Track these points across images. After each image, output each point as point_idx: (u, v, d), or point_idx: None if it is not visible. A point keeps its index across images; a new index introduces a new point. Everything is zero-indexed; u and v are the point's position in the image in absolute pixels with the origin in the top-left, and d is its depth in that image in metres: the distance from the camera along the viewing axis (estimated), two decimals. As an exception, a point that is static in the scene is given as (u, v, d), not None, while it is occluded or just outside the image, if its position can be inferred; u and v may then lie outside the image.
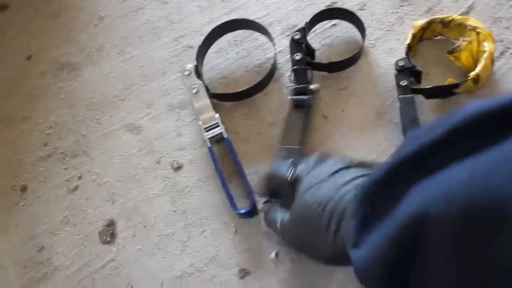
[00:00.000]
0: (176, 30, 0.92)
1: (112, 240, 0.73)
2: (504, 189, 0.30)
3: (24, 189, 0.79)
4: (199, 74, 0.81)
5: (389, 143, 0.74)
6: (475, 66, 0.75)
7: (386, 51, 0.83)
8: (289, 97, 0.79)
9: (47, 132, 0.84)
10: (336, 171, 0.54)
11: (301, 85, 0.79)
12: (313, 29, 0.86)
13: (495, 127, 0.34)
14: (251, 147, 0.78)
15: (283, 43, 0.87)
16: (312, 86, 0.78)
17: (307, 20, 0.83)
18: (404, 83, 0.75)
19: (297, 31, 0.81)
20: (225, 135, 0.76)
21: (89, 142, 0.82)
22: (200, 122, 0.77)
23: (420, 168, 0.37)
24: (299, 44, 0.81)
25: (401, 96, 0.75)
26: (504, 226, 0.29)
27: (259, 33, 0.87)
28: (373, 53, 0.84)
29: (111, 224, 0.74)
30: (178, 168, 0.78)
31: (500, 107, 0.34)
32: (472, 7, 0.85)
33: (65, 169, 0.80)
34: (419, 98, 0.76)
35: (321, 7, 0.88)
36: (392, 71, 0.79)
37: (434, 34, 0.82)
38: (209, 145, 0.76)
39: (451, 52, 0.78)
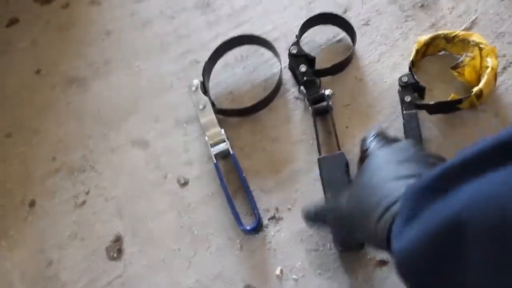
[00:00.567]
0: (184, 44, 0.93)
1: (119, 256, 0.74)
2: None
3: (32, 203, 0.80)
4: (205, 90, 0.82)
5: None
6: (478, 81, 0.75)
7: (390, 66, 0.84)
8: (310, 107, 0.79)
9: (56, 146, 0.85)
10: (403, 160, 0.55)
11: (317, 93, 0.79)
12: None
13: None
14: (256, 163, 0.79)
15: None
16: (327, 92, 0.79)
17: (297, 32, 0.84)
18: (408, 98, 0.76)
19: (292, 45, 0.82)
20: (231, 151, 0.77)
21: (97, 157, 0.83)
22: (206, 138, 0.78)
23: (462, 176, 0.40)
24: (299, 57, 0.82)
25: (405, 111, 0.76)
26: None
27: (265, 48, 0.88)
28: (378, 68, 0.84)
29: (118, 239, 0.75)
30: (184, 183, 0.79)
31: None
32: (475, 22, 0.85)
33: (73, 184, 0.81)
34: (423, 114, 0.76)
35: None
36: (396, 87, 0.79)
37: (437, 50, 0.82)
38: (215, 161, 0.76)
39: (454, 67, 0.78)
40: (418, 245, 0.42)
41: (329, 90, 0.79)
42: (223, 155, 0.78)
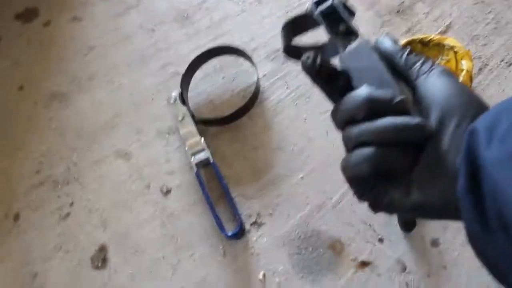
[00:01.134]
0: (164, 57, 0.94)
1: (103, 266, 0.75)
2: None
3: (17, 217, 0.80)
4: (184, 101, 0.83)
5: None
6: (454, 84, 0.77)
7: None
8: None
9: (40, 160, 0.86)
10: None
11: None
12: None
13: None
14: (238, 170, 0.79)
15: (268, 67, 0.89)
16: None
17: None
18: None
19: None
20: (211, 160, 0.78)
21: (81, 170, 0.84)
22: (186, 148, 0.79)
23: None
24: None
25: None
26: None
27: (243, 58, 0.89)
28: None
29: (102, 249, 0.76)
30: (167, 192, 0.79)
31: None
32: (450, 26, 0.87)
33: (58, 196, 0.82)
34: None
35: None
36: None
37: (413, 54, 0.84)
38: (196, 170, 0.77)
39: (430, 71, 0.80)
40: None
41: None
42: (204, 164, 0.79)
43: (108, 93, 0.92)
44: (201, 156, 0.78)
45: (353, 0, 0.88)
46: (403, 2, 0.93)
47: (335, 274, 0.70)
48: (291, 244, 0.73)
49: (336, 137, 0.80)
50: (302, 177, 0.78)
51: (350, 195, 0.75)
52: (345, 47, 0.51)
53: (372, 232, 0.72)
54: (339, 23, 0.54)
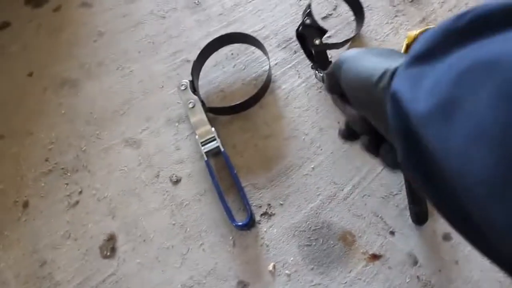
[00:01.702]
0: (174, 44, 0.93)
1: (112, 255, 0.74)
2: None
3: (26, 204, 0.80)
4: (194, 89, 0.82)
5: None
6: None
7: (381, 61, 0.84)
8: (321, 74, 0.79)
9: (49, 147, 0.85)
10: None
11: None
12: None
13: None
14: (248, 160, 0.79)
15: (279, 55, 0.88)
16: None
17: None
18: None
19: (305, 15, 0.79)
20: (222, 149, 0.77)
21: (90, 157, 0.83)
22: (196, 137, 0.78)
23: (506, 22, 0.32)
24: (311, 28, 0.79)
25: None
26: None
27: (254, 47, 0.88)
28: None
29: (111, 238, 0.75)
30: (177, 181, 0.79)
31: None
32: (466, 17, 0.85)
33: (66, 184, 0.81)
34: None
35: (317, 18, 0.89)
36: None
37: (428, 44, 0.83)
38: (206, 159, 0.77)
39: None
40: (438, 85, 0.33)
41: None
42: (215, 153, 0.79)
43: (117, 80, 0.91)
44: (212, 145, 0.78)
45: (368, -12, 0.87)
46: (417, -9, 0.91)
47: (345, 266, 0.70)
48: (301, 236, 0.72)
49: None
50: (313, 168, 0.77)
51: (361, 187, 0.75)
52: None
53: (384, 224, 0.71)
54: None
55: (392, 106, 0.37)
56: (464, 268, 0.67)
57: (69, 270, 0.74)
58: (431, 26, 0.81)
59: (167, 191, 0.78)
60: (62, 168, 0.83)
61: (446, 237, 0.69)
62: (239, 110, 0.82)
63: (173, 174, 0.80)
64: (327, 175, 0.76)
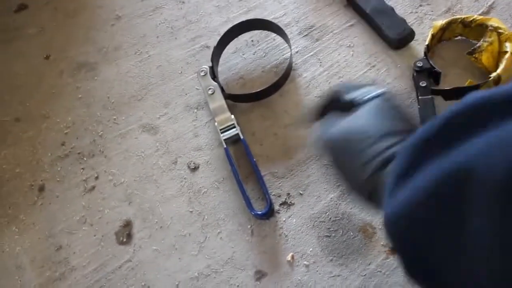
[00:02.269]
0: (194, 30, 0.92)
1: (128, 241, 0.73)
2: None
3: (41, 188, 0.79)
4: (214, 75, 0.81)
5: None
6: (496, 67, 0.74)
7: (404, 51, 0.82)
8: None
9: (65, 131, 0.84)
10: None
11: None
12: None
13: None
14: (267, 148, 0.78)
15: (301, 43, 0.86)
16: None
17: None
18: (423, 84, 0.75)
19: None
20: (241, 137, 0.76)
21: (106, 142, 0.82)
22: (216, 123, 0.77)
23: (470, 128, 0.36)
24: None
25: (420, 97, 0.75)
26: None
27: (275, 33, 0.87)
28: (391, 53, 0.83)
29: (127, 224, 0.75)
30: (194, 168, 0.78)
31: None
32: (493, 7, 0.84)
33: (82, 169, 0.80)
34: (437, 99, 0.75)
35: (338, 6, 0.88)
36: (410, 72, 0.78)
37: (453, 35, 0.81)
38: (225, 147, 0.75)
39: (471, 53, 0.77)
40: (414, 205, 0.38)
41: None
42: (234, 141, 0.77)
43: (135, 65, 0.90)
44: (231, 132, 0.76)
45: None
46: (443, -20, 0.89)
47: (365, 258, 0.68)
48: (321, 226, 0.71)
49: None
50: (334, 158, 0.76)
51: (383, 178, 0.73)
52: None
53: (406, 217, 0.70)
54: None
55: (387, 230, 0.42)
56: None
57: (84, 255, 0.73)
58: (457, 17, 0.79)
59: (185, 178, 0.77)
60: (79, 153, 0.82)
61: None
62: (259, 98, 0.81)
63: (191, 161, 0.78)
64: (347, 165, 0.75)
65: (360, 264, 0.68)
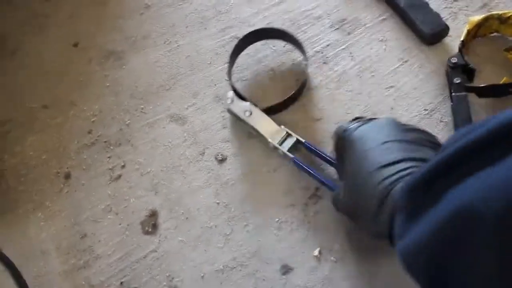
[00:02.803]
0: (224, 20, 0.91)
1: (154, 231, 0.73)
2: None
3: (68, 176, 0.79)
4: (239, 95, 0.79)
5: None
6: (533, 65, 0.72)
7: (438, 47, 0.81)
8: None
9: (92, 119, 0.84)
10: (386, 142, 0.55)
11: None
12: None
13: None
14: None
15: (332, 36, 0.85)
16: None
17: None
18: (457, 80, 0.73)
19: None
20: (302, 140, 0.74)
21: (133, 131, 0.82)
22: (269, 143, 0.75)
23: (464, 167, 0.37)
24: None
25: (454, 94, 0.73)
26: None
27: (307, 26, 0.86)
28: (424, 49, 0.81)
29: (153, 214, 0.74)
30: (222, 160, 0.77)
31: None
32: (531, 3, 0.82)
33: (109, 157, 0.80)
34: (471, 97, 0.74)
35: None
36: (443, 68, 0.77)
37: (489, 31, 0.80)
38: (293, 156, 0.73)
39: (508, 49, 0.75)
40: (424, 244, 0.40)
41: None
42: (295, 148, 0.76)
43: (164, 54, 0.89)
44: (290, 142, 0.75)
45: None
46: (479, -25, 0.87)
47: (394, 258, 0.67)
48: (349, 222, 0.70)
49: (402, 114, 0.76)
50: (364, 153, 0.74)
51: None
52: None
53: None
54: None
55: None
56: None
57: (109, 244, 0.72)
58: (494, 13, 0.77)
59: (212, 169, 0.76)
60: (105, 141, 0.81)
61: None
62: (293, 101, 0.80)
63: (219, 152, 0.78)
64: (378, 161, 0.74)
65: (388, 265, 0.67)
